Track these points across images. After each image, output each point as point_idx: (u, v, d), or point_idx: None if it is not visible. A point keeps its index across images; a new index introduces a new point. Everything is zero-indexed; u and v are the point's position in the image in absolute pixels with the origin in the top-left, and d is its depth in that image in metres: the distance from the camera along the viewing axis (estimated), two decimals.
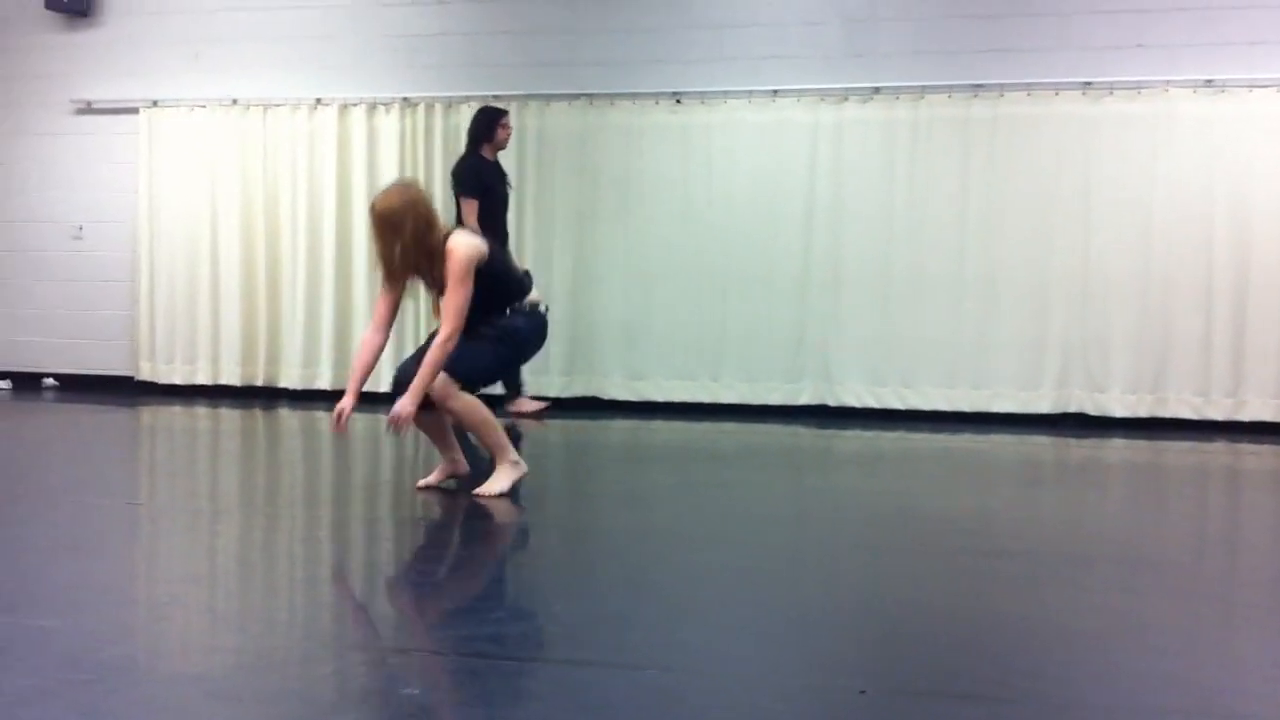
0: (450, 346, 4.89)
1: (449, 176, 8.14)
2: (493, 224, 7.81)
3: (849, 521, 4.92)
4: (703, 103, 8.59)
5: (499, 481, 5.12)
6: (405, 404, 4.90)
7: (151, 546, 4.44)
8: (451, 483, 5.33)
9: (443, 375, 4.93)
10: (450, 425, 5.32)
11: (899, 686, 2.80)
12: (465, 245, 4.94)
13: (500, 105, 8.52)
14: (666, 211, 8.66)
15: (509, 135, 8.13)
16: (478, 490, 5.10)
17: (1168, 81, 7.99)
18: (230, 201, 9.32)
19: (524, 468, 5.21)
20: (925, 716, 2.58)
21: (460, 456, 5.35)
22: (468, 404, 5.07)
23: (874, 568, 4.08)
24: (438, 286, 5.01)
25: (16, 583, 3.67)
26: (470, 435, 5.41)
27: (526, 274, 5.51)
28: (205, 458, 6.89)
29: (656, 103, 8.67)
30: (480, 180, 7.91)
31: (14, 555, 4.08)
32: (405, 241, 4.87)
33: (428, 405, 5.05)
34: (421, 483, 5.30)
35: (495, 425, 5.15)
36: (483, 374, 5.20)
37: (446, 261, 4.89)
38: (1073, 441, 7.53)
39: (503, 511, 4.92)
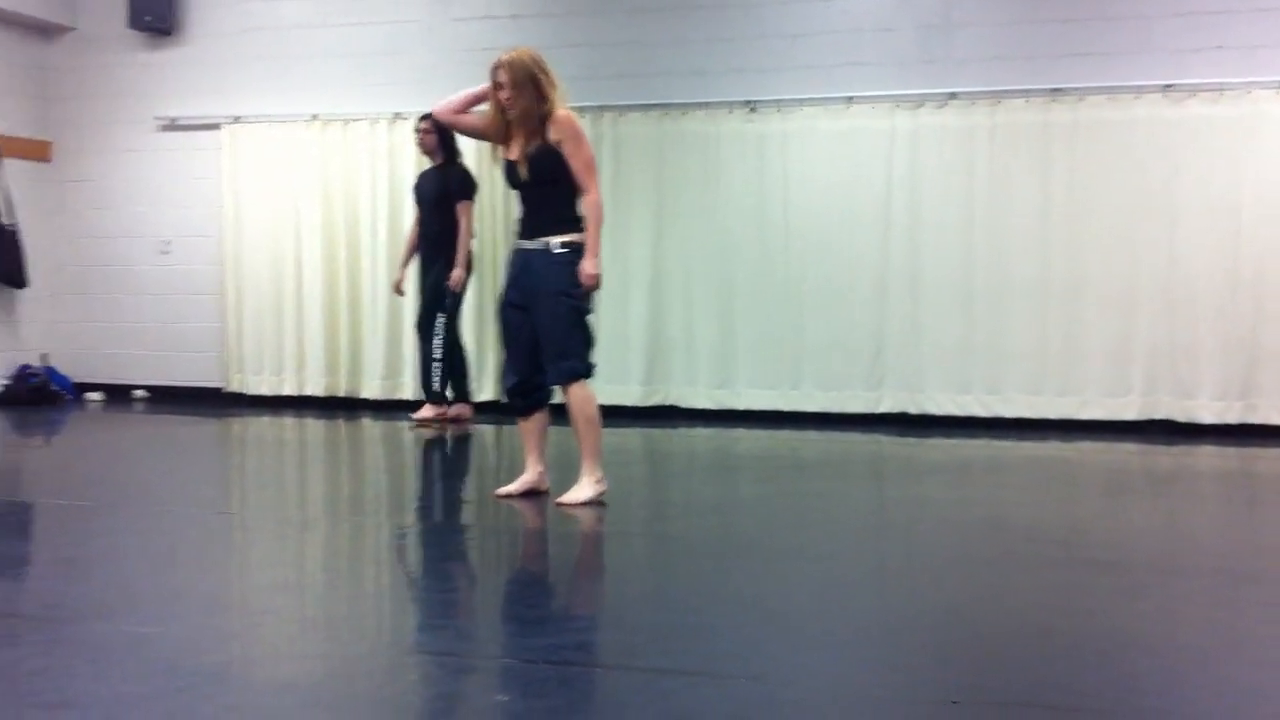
0: (601, 203, 5.05)
1: (439, 185, 8.23)
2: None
3: (936, 531, 4.87)
4: (777, 111, 8.57)
5: (583, 491, 5.11)
6: (593, 265, 5.01)
7: (243, 555, 4.51)
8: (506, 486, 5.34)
9: (576, 363, 5.04)
10: (545, 435, 5.30)
11: (991, 698, 2.76)
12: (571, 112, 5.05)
13: (590, 114, 8.57)
14: (742, 220, 8.64)
15: (419, 139, 8.32)
16: (561, 499, 5.12)
17: (1250, 83, 7.84)
18: (312, 215, 9.45)
19: (606, 485, 5.19)
20: None
21: (544, 471, 5.34)
22: (589, 396, 5.12)
23: (963, 578, 4.04)
24: (531, 158, 4.98)
25: (114, 590, 3.74)
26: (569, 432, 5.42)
27: None
28: (293, 467, 6.99)
29: (730, 111, 8.66)
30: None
31: (111, 563, 4.16)
32: (528, 94, 4.94)
33: (537, 407, 5.17)
34: (501, 491, 5.30)
35: (600, 429, 5.15)
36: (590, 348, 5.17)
37: (559, 124, 4.95)
38: (1161, 449, 7.41)
39: (587, 520, 4.94)
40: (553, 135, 4.97)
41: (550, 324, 5.05)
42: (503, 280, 5.31)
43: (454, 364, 8.43)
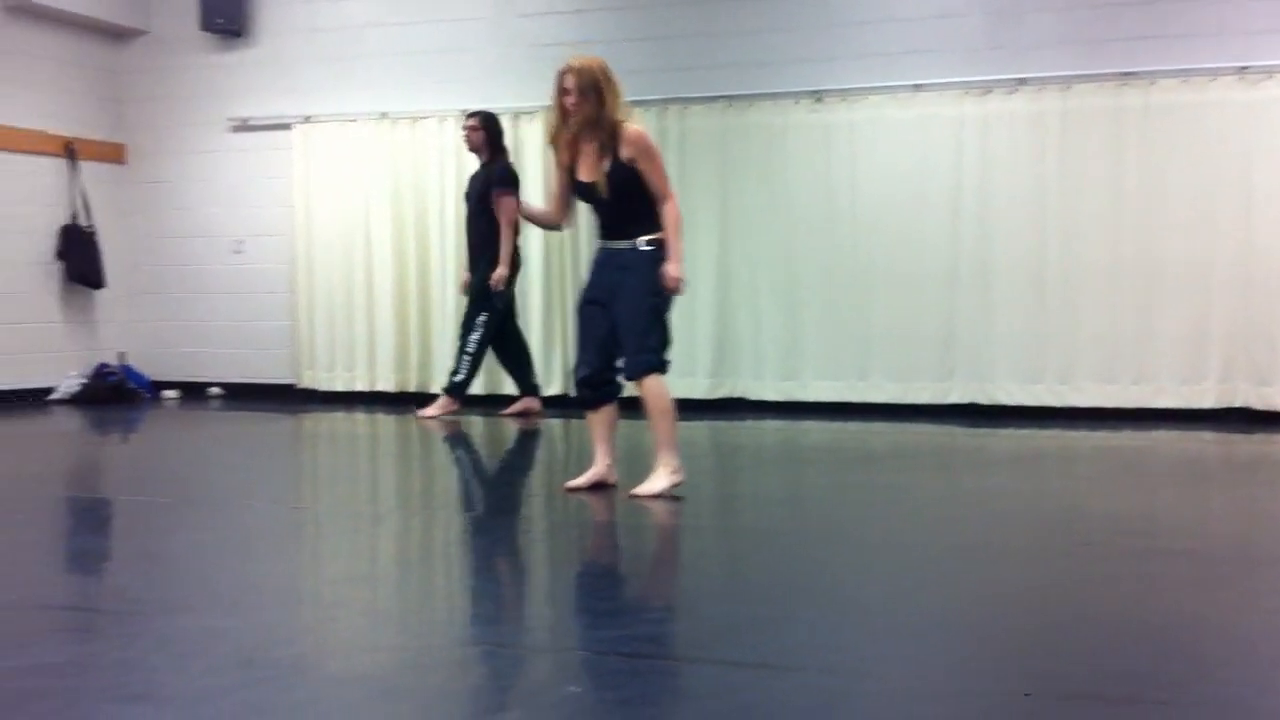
0: (679, 210, 5.14)
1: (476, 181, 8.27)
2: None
3: (1009, 522, 4.82)
4: (843, 100, 8.51)
5: (658, 482, 5.10)
6: (676, 269, 5.09)
7: (316, 549, 4.57)
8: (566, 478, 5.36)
9: (652, 357, 5.11)
10: (614, 428, 5.33)
11: (1064, 690, 2.73)
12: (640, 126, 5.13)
13: (639, 110, 8.55)
14: (810, 211, 8.60)
15: (465, 136, 8.33)
16: (635, 490, 5.11)
17: None
18: (381, 212, 9.54)
19: (683, 475, 5.19)
20: None
21: (613, 465, 5.33)
22: (664, 388, 5.15)
23: (1037, 568, 3.99)
24: (607, 177, 5.03)
25: (192, 584, 3.81)
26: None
27: None
28: (365, 462, 7.06)
29: (796, 102, 8.61)
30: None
31: (189, 558, 4.23)
32: (591, 101, 4.98)
33: (607, 400, 5.20)
34: (570, 484, 5.30)
35: (675, 420, 5.16)
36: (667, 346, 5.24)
37: (630, 142, 5.00)
38: (1239, 437, 7.28)
39: (657, 512, 4.94)
40: (625, 153, 5.02)
41: (631, 318, 5.10)
42: (585, 277, 5.37)
43: (518, 358, 8.46)
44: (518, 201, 8.09)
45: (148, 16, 10.24)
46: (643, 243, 5.10)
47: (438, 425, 8.01)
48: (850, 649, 3.05)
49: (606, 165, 5.02)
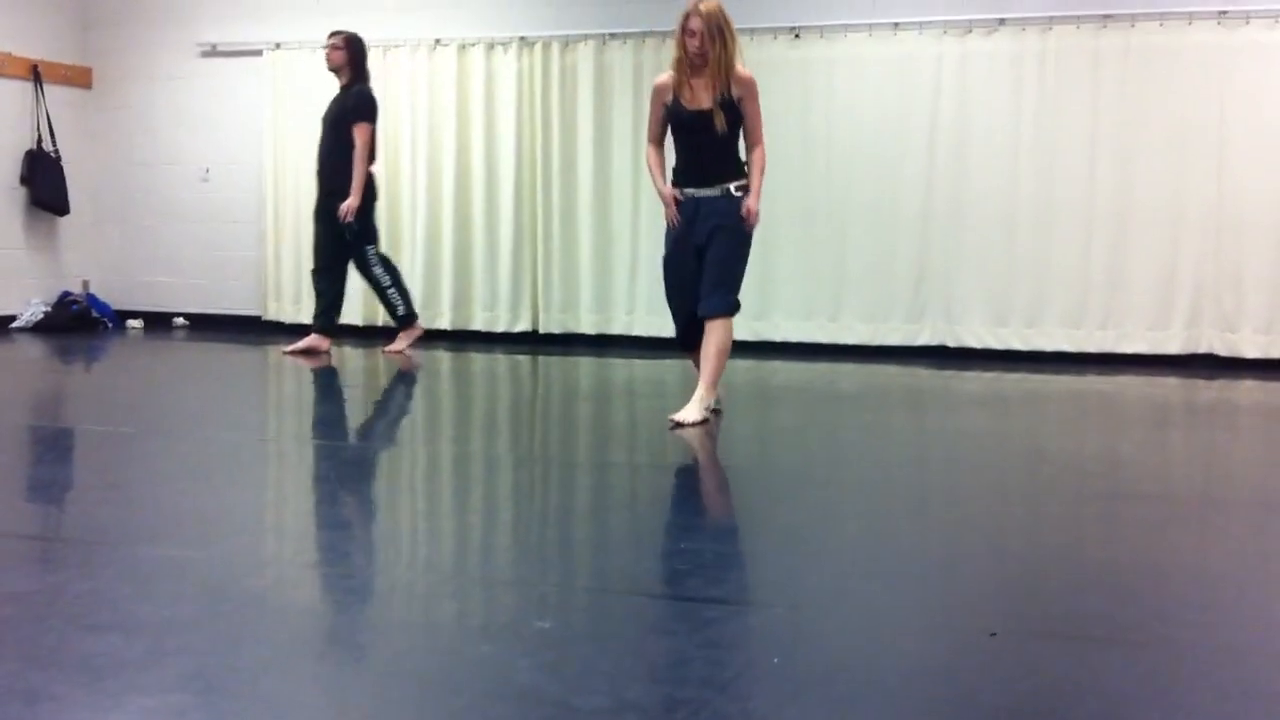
0: (766, 154, 5.42)
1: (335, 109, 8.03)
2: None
3: (975, 464, 4.85)
4: (822, 37, 8.44)
5: (697, 410, 5.31)
6: (755, 203, 5.34)
7: (281, 479, 4.55)
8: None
9: (735, 299, 5.40)
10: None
11: (1030, 629, 2.76)
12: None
13: (616, 42, 8.53)
14: (785, 148, 8.49)
15: (326, 55, 8.10)
16: (675, 416, 5.28)
17: None
18: None
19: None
20: (1057, 660, 2.54)
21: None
22: (731, 331, 5.45)
23: (1001, 510, 4.03)
24: (717, 110, 5.25)
25: (157, 514, 3.79)
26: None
27: None
28: (327, 394, 7.03)
29: (775, 38, 8.54)
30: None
31: (153, 488, 4.21)
32: (716, 44, 5.20)
33: (698, 339, 5.44)
34: (675, 416, 5.36)
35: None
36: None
37: (742, 83, 5.28)
38: (1202, 383, 7.34)
39: (626, 451, 4.94)
40: (735, 92, 5.27)
41: (725, 256, 5.34)
42: (669, 232, 5.51)
43: (334, 294, 8.19)
44: (374, 130, 7.94)
45: None
46: (734, 188, 5.35)
47: (404, 358, 7.97)
48: (816, 587, 3.07)
49: (719, 99, 5.24)
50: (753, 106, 5.34)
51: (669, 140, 5.55)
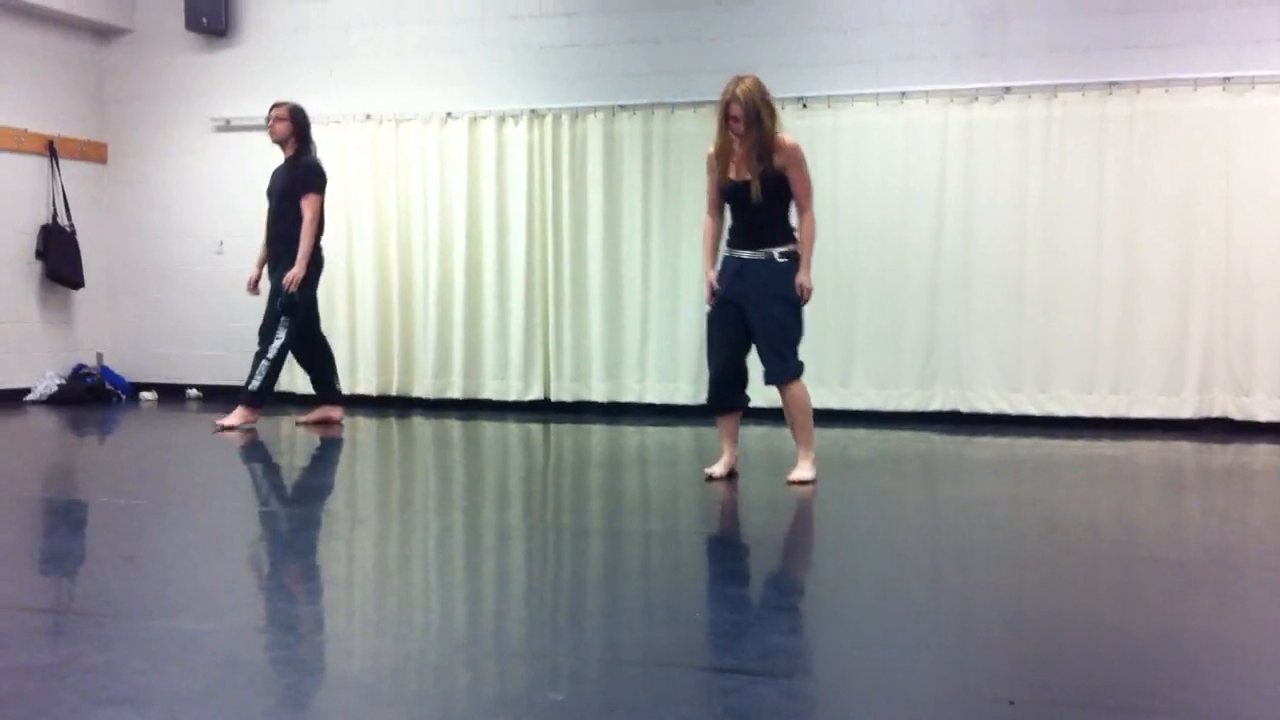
0: (815, 221, 5.63)
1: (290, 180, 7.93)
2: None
3: (991, 529, 4.83)
4: (829, 106, 8.52)
5: (807, 470, 5.64)
6: (807, 279, 5.57)
7: (293, 550, 4.54)
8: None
9: (795, 364, 5.62)
10: (738, 428, 5.86)
11: (1048, 697, 2.73)
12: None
13: (625, 113, 8.63)
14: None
15: (270, 128, 8.03)
16: (791, 476, 5.61)
17: None
18: (364, 214, 9.51)
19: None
20: None
21: (737, 457, 5.87)
22: (805, 390, 5.67)
23: (1019, 576, 4.00)
24: (762, 180, 5.46)
25: (171, 586, 3.78)
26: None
27: None
28: (345, 465, 7.03)
29: (782, 107, 8.40)
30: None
31: (167, 560, 4.21)
32: (755, 123, 5.40)
33: (736, 408, 5.76)
34: (709, 471, 5.78)
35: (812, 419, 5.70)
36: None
37: (784, 152, 5.47)
38: (1217, 447, 7.31)
39: (641, 518, 4.92)
40: (778, 161, 5.47)
41: (773, 326, 5.56)
42: (717, 287, 5.69)
43: (320, 362, 8.19)
44: (323, 201, 7.90)
45: (132, 15, 10.20)
46: (777, 254, 5.54)
47: (239, 435, 7.69)
48: (834, 654, 3.05)
49: (761, 170, 5.44)
50: (797, 173, 5.53)
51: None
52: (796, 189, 5.55)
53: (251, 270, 8.17)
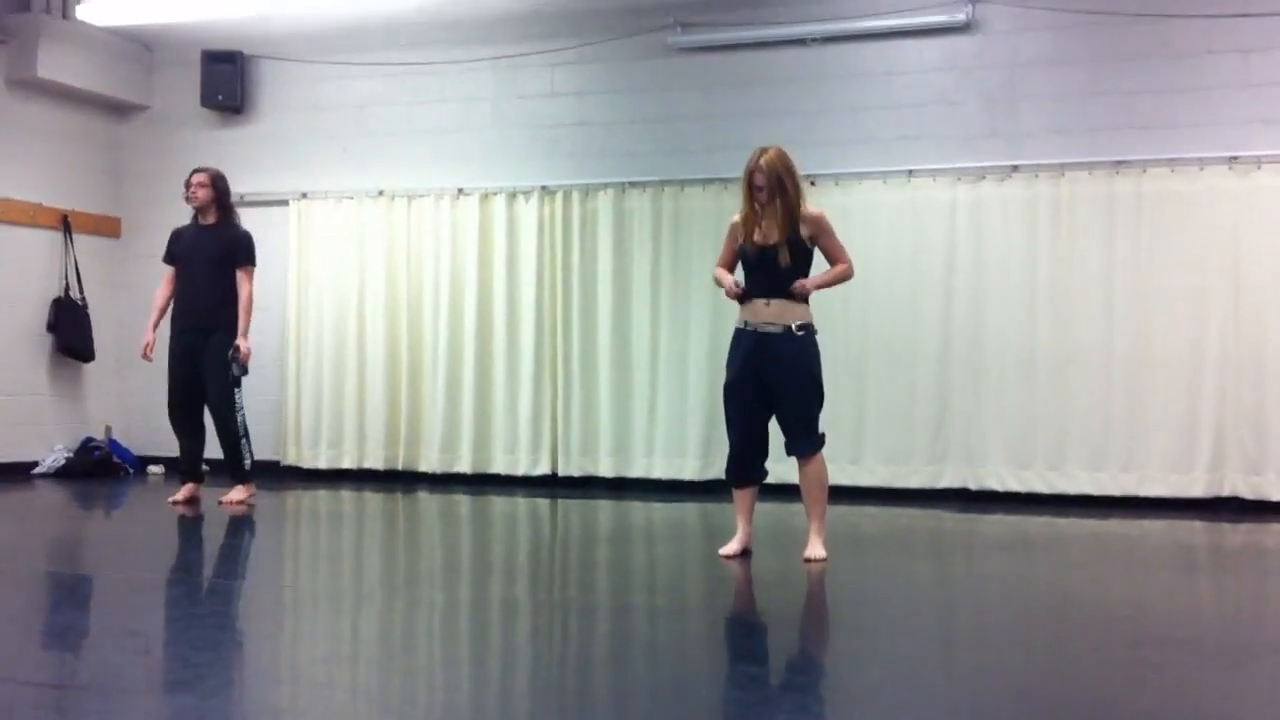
0: (850, 270, 5.73)
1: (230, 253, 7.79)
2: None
3: (1000, 609, 4.79)
4: (837, 184, 8.57)
5: (821, 548, 5.61)
6: (812, 281, 5.62)
7: (300, 627, 4.51)
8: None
9: (819, 436, 5.65)
10: (754, 503, 5.83)
11: None
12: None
13: (635, 190, 8.72)
14: None
15: (192, 193, 7.85)
16: (807, 554, 5.55)
17: None
18: (375, 288, 9.56)
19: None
20: None
21: (751, 534, 5.80)
22: (825, 465, 5.71)
23: (1029, 656, 3.96)
24: (789, 246, 5.51)
25: (176, 662, 3.76)
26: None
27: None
28: (349, 541, 7.00)
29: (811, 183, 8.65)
30: (168, 246, 7.91)
31: (171, 635, 4.18)
32: (779, 192, 5.48)
33: (758, 480, 5.76)
34: (724, 551, 5.70)
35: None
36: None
37: (810, 222, 5.57)
38: (1228, 527, 7.26)
39: (647, 596, 4.88)
40: (805, 230, 5.57)
41: (797, 399, 5.59)
42: (732, 362, 5.72)
43: (202, 440, 7.99)
44: None
45: (150, 93, 10.34)
46: (795, 326, 5.56)
47: (245, 508, 7.65)
48: None
49: (788, 237, 5.50)
50: (828, 240, 5.65)
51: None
52: (832, 253, 5.67)
53: (148, 335, 7.90)
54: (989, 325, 8.28)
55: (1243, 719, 3.22)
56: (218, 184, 7.88)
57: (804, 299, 5.62)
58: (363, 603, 4.86)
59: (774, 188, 5.48)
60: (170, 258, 7.90)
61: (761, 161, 5.50)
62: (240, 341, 7.69)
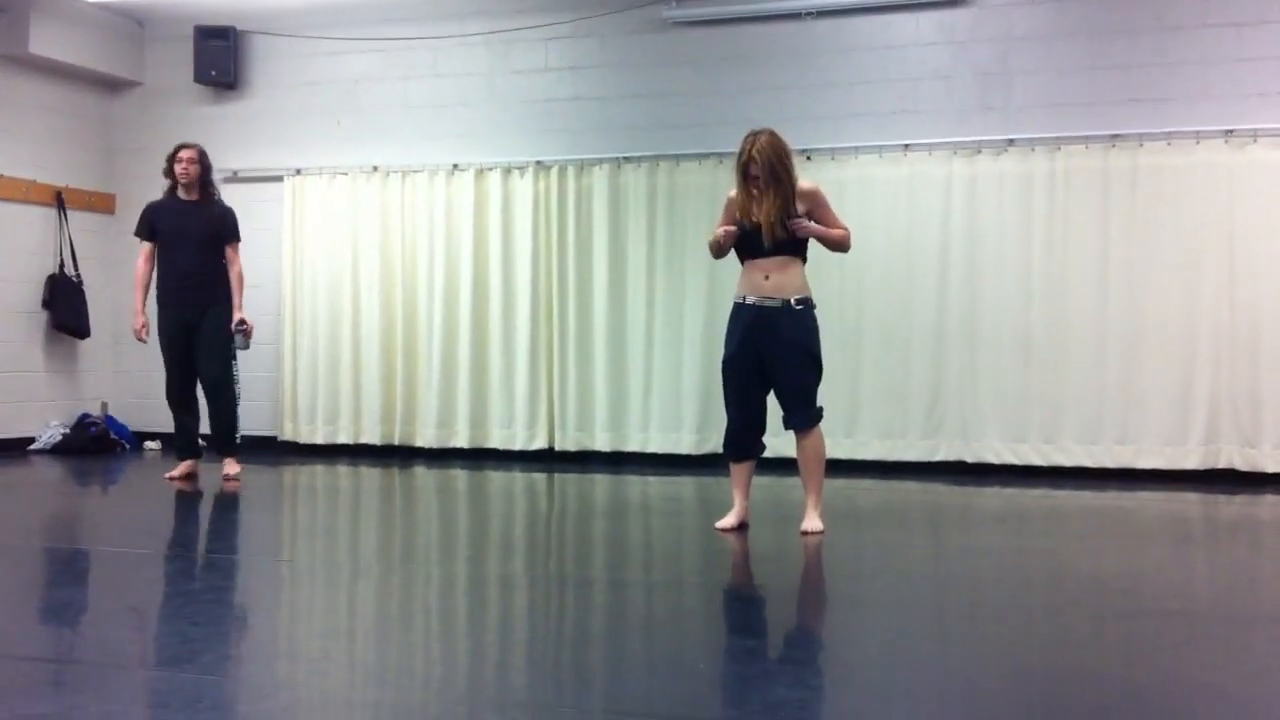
0: (848, 236, 5.75)
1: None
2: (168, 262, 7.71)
3: (997, 582, 4.81)
4: (833, 159, 8.56)
5: (818, 520, 5.64)
6: (812, 224, 5.56)
7: (298, 601, 4.52)
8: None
9: (818, 410, 5.67)
10: (751, 478, 5.84)
11: None
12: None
13: (630, 165, 8.69)
14: None
15: (184, 169, 7.72)
16: (804, 528, 5.58)
17: None
18: (370, 265, 9.55)
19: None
20: None
21: (749, 508, 5.82)
22: (823, 439, 5.72)
23: (1025, 628, 3.98)
24: (780, 217, 5.49)
25: (172, 637, 3.76)
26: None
27: None
28: (346, 515, 7.01)
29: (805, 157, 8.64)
30: (146, 222, 7.81)
31: (168, 610, 4.19)
32: (774, 175, 5.47)
33: (756, 455, 5.78)
34: (720, 524, 5.73)
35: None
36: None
37: (806, 197, 5.56)
38: (1223, 498, 7.28)
39: (645, 567, 4.89)
40: (801, 207, 5.55)
41: (797, 374, 5.59)
42: (731, 336, 5.73)
43: (198, 416, 7.97)
44: None
45: (142, 69, 10.29)
46: (794, 300, 5.57)
47: (238, 484, 7.61)
48: (839, 708, 3.02)
49: (786, 216, 5.48)
50: (824, 212, 5.64)
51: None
52: (830, 220, 5.66)
53: (139, 316, 7.86)
54: (985, 299, 8.28)
55: (1237, 689, 3.24)
56: (204, 160, 7.85)
57: (804, 285, 5.63)
58: (360, 577, 4.87)
59: (769, 175, 5.47)
60: (151, 234, 7.82)
61: (754, 151, 5.48)
62: (247, 316, 7.73)
